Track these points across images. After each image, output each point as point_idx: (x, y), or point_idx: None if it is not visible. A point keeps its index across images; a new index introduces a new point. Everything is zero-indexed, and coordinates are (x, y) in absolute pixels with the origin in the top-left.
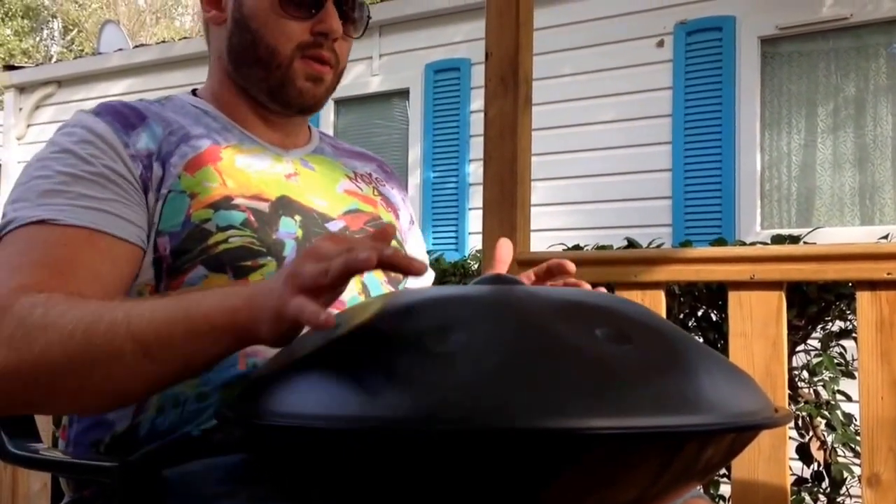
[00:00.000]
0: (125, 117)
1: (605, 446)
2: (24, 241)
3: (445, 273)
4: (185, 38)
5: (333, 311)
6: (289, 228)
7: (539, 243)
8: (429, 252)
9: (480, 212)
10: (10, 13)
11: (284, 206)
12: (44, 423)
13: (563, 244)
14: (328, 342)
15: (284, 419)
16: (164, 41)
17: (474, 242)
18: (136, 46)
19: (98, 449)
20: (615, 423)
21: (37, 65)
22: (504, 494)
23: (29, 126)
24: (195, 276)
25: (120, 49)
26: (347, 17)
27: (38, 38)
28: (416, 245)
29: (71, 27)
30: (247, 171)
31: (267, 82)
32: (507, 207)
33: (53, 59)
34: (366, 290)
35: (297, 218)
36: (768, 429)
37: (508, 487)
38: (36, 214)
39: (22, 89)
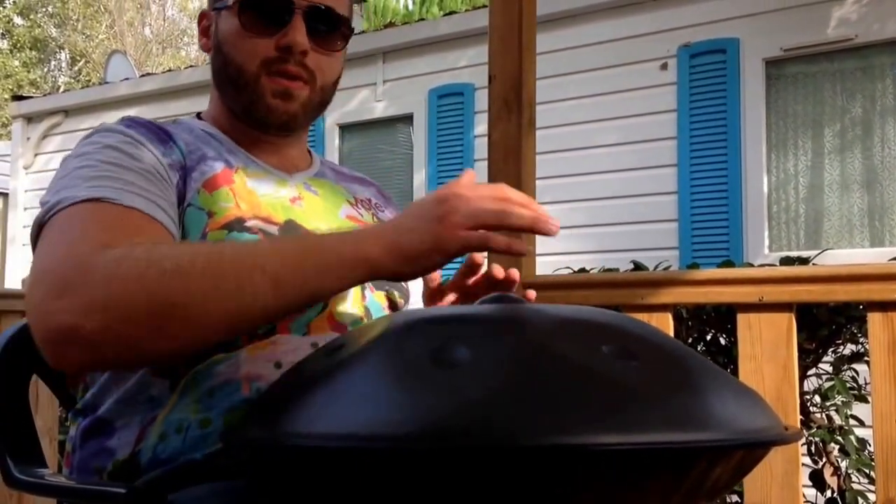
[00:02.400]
0: (155, 132)
1: (613, 463)
2: (84, 216)
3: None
4: (190, 66)
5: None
6: None
7: (544, 267)
8: None
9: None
10: (19, 45)
11: (292, 230)
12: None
13: (569, 268)
14: (333, 363)
15: (290, 440)
16: (169, 70)
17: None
18: (143, 76)
19: (101, 476)
20: (623, 440)
21: (44, 95)
22: None
23: (36, 155)
24: None
25: (126, 78)
26: (317, 30)
27: (45, 69)
28: None
29: (78, 58)
30: (256, 194)
31: (240, 102)
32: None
33: (61, 90)
34: (368, 313)
35: None
36: (778, 446)
37: None
38: (90, 194)
39: (29, 119)
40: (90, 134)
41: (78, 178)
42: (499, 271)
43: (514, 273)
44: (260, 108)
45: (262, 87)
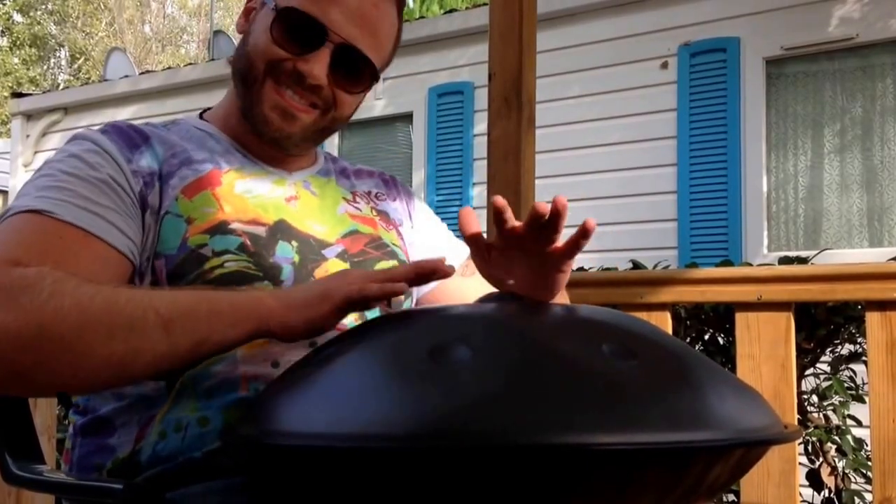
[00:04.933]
0: (129, 137)
1: (613, 462)
2: (17, 226)
3: None
4: (189, 64)
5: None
6: (286, 253)
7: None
8: None
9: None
10: (18, 42)
11: (282, 230)
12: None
13: None
14: (332, 361)
15: (288, 438)
16: (169, 68)
17: None
18: (142, 73)
19: (100, 473)
20: (623, 439)
21: (44, 92)
22: None
23: (36, 153)
24: None
25: (126, 76)
26: (343, 68)
27: (45, 67)
28: (435, 236)
29: (78, 55)
30: (244, 197)
31: (244, 100)
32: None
33: (60, 87)
34: (363, 314)
35: (294, 244)
36: (778, 444)
37: None
38: (32, 204)
39: (29, 116)
40: (68, 140)
41: (34, 186)
42: (542, 206)
43: (560, 202)
44: (257, 115)
45: (265, 94)
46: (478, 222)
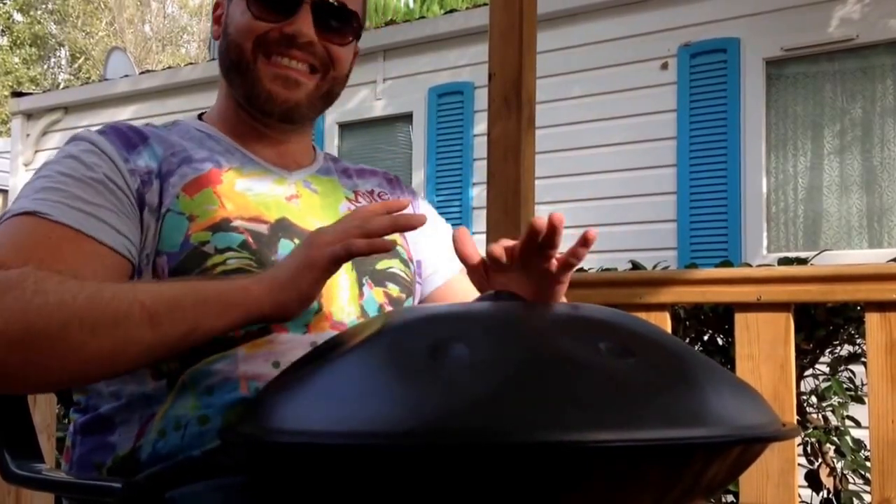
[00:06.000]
0: (127, 137)
1: (611, 460)
2: (9, 230)
3: None
4: (190, 63)
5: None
6: (288, 251)
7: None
8: None
9: (484, 236)
10: (19, 41)
11: (284, 228)
12: (46, 446)
13: None
14: (331, 360)
15: (288, 436)
16: (169, 67)
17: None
18: (143, 73)
19: (100, 471)
20: (622, 436)
21: (44, 91)
22: None
23: (36, 152)
24: None
25: (126, 75)
26: (326, 23)
27: (45, 66)
28: (439, 236)
29: (78, 55)
30: (246, 195)
31: (242, 87)
32: (511, 229)
33: (61, 86)
34: (365, 311)
35: (297, 241)
36: (776, 441)
37: (514, 503)
38: (27, 206)
39: (29, 115)
40: (67, 141)
41: (32, 189)
42: (539, 223)
43: (556, 219)
44: (260, 94)
45: (260, 70)
46: (473, 244)
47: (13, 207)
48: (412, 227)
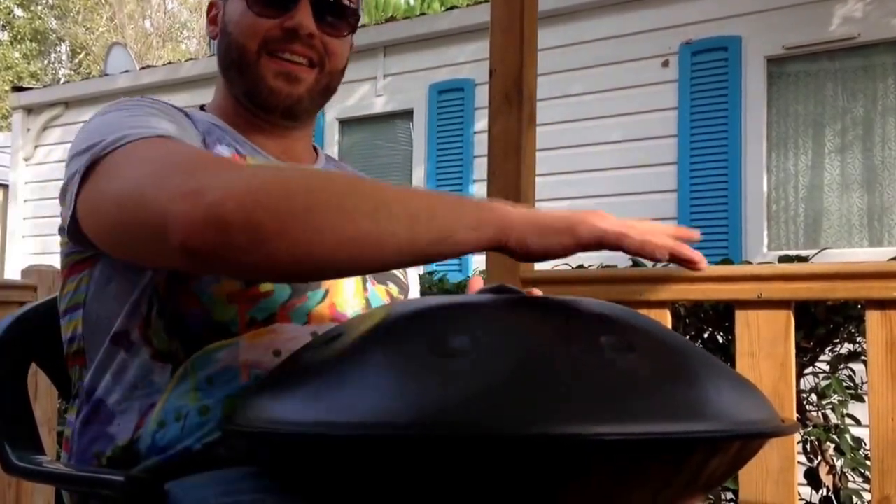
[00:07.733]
0: (177, 110)
1: (610, 453)
2: (159, 147)
3: (449, 293)
4: (190, 59)
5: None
6: None
7: (543, 264)
8: (432, 273)
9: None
10: (19, 37)
11: None
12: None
13: (567, 264)
14: (332, 351)
15: (288, 427)
16: (170, 63)
17: (478, 263)
18: (143, 68)
19: (100, 462)
20: (621, 430)
21: (44, 86)
22: (510, 502)
23: (37, 147)
24: (207, 279)
25: (126, 71)
26: (324, 17)
27: (46, 62)
28: None
29: (79, 50)
30: None
31: (243, 85)
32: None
33: (61, 82)
34: (369, 305)
35: None
36: (775, 437)
37: (514, 495)
38: (155, 131)
39: (30, 110)
40: (110, 105)
41: (125, 121)
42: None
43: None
44: (262, 90)
45: (263, 67)
46: None
47: (126, 134)
48: (685, 261)
